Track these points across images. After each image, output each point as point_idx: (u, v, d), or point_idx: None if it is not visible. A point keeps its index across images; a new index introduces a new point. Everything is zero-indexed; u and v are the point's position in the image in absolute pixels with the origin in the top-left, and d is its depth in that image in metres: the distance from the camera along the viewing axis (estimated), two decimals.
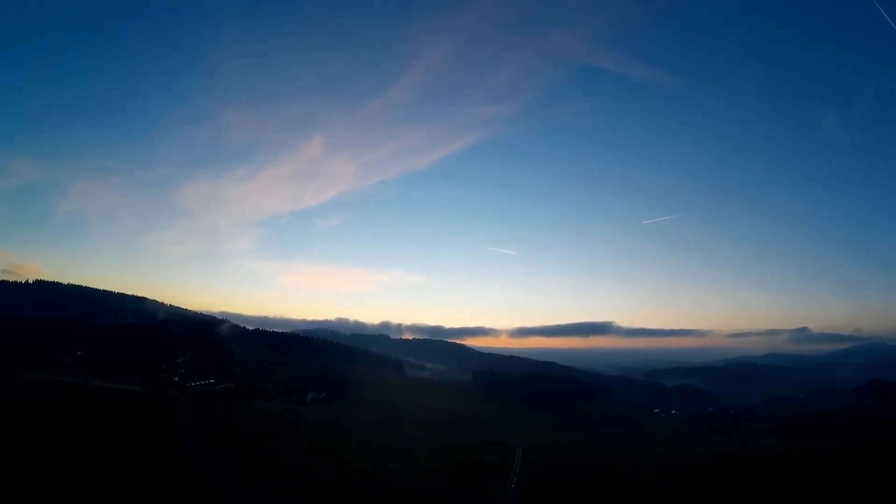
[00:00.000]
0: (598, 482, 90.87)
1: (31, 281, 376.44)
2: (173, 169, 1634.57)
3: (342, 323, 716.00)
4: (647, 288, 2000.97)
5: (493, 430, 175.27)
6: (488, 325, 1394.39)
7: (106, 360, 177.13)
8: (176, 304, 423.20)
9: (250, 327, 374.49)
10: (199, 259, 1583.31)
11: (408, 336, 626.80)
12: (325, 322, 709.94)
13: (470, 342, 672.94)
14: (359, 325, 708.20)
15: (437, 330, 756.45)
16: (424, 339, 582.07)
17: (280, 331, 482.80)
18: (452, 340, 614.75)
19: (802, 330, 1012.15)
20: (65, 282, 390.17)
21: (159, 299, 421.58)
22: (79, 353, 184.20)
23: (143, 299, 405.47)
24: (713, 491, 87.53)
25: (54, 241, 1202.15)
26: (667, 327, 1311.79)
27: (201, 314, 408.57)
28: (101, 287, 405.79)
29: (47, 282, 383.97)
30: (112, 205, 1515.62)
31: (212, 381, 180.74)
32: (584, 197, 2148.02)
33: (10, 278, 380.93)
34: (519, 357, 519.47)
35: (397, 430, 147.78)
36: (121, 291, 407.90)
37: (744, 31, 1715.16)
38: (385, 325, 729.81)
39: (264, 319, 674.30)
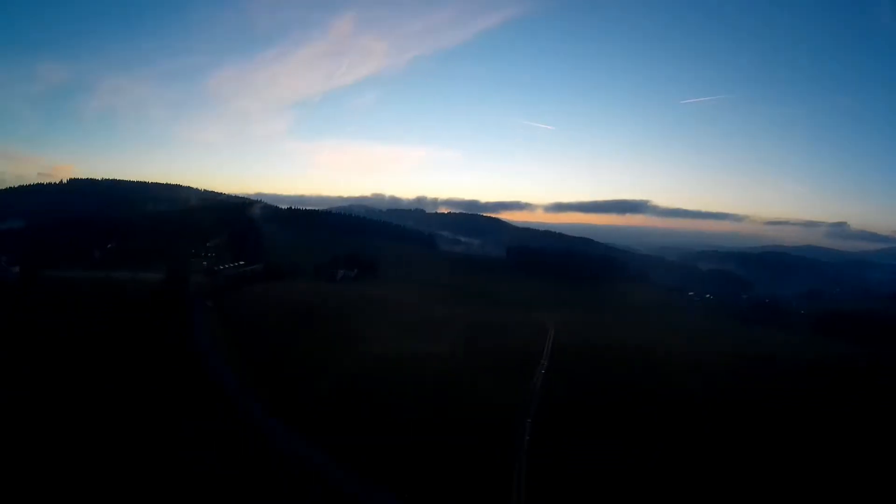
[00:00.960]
0: (626, 376, 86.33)
1: (65, 181, 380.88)
2: (201, 57, 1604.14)
3: (378, 198, 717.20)
4: (685, 169, 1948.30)
5: (525, 307, 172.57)
6: (524, 199, 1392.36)
7: (136, 250, 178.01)
8: (211, 190, 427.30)
9: (284, 206, 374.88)
10: (233, 144, 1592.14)
11: (443, 210, 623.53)
12: (361, 198, 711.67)
13: (506, 216, 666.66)
14: (394, 201, 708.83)
15: (473, 204, 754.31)
16: (460, 214, 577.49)
17: (315, 209, 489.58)
18: (488, 215, 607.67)
19: (840, 225, 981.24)
20: (99, 178, 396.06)
21: (194, 186, 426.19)
22: (109, 245, 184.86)
23: (177, 187, 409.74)
24: (742, 394, 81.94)
25: (88, 141, 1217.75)
26: (703, 209, 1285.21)
27: (236, 197, 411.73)
28: (135, 180, 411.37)
29: (82, 179, 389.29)
30: (142, 98, 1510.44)
31: (241, 263, 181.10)
32: (625, 73, 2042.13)
33: (47, 181, 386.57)
34: (554, 232, 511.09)
35: (427, 307, 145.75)
36: (155, 181, 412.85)
37: None
38: (420, 200, 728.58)
39: (300, 199, 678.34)
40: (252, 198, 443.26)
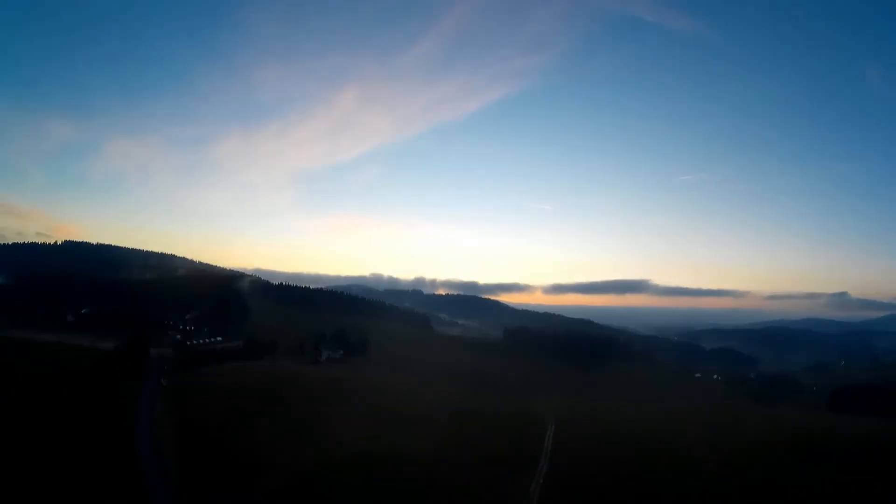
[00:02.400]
0: (643, 470, 73.67)
1: (60, 242, 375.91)
2: (207, 126, 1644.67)
3: (376, 278, 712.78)
4: (683, 246, 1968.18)
5: (523, 392, 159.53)
6: (523, 281, 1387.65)
7: (109, 316, 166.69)
8: (206, 261, 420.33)
9: (279, 282, 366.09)
10: (235, 215, 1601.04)
11: (442, 291, 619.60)
12: (360, 278, 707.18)
13: (504, 298, 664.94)
14: (393, 281, 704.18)
15: (472, 286, 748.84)
16: (458, 295, 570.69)
17: (310, 286, 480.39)
18: (487, 296, 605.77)
19: (842, 295, 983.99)
20: (94, 242, 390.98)
21: (191, 256, 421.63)
22: (83, 310, 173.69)
23: (171, 257, 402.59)
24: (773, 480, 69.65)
25: (92, 201, 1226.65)
26: (704, 287, 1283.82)
27: (228, 270, 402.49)
28: (131, 246, 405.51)
29: (77, 242, 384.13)
30: (148, 163, 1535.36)
31: (219, 338, 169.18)
32: (621, 151, 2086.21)
33: (43, 240, 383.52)
34: (553, 314, 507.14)
35: (413, 394, 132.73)
36: (148, 249, 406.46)
37: None
38: (419, 281, 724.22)
39: (298, 276, 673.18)
40: (248, 272, 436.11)
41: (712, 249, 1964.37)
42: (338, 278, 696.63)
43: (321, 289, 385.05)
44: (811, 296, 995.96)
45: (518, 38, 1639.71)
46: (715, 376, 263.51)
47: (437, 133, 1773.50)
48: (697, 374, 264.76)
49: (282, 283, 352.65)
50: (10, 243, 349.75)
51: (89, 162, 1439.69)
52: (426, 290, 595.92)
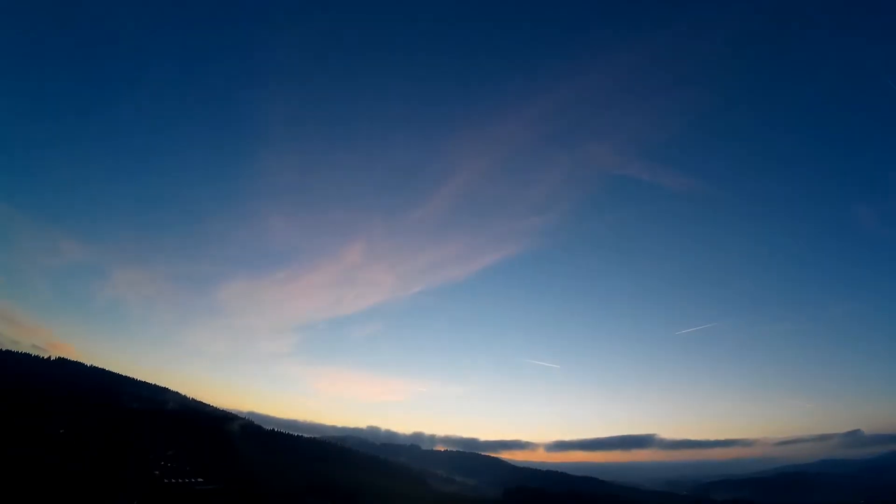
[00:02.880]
0: None
1: (53, 358, 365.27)
2: (214, 266, 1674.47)
3: (373, 431, 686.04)
4: (689, 398, 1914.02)
5: None
6: (525, 437, 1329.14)
7: (87, 440, 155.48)
8: (200, 399, 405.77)
9: (271, 428, 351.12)
10: (233, 357, 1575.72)
11: (440, 448, 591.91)
12: (356, 430, 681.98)
13: (505, 455, 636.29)
14: (390, 435, 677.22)
15: (472, 442, 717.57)
16: (457, 452, 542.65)
17: (304, 434, 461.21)
18: (487, 454, 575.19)
19: (855, 433, 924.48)
20: (88, 363, 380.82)
21: (185, 392, 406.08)
22: (61, 430, 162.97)
23: (164, 389, 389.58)
24: None
25: (93, 324, 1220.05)
26: (711, 438, 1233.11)
27: (220, 410, 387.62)
28: (125, 373, 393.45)
29: (70, 361, 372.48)
30: (152, 295, 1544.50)
31: (200, 479, 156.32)
32: (622, 307, 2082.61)
33: (38, 353, 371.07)
34: (556, 472, 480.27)
35: None
36: (143, 379, 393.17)
37: (775, 135, 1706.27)
38: (417, 436, 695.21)
39: (294, 423, 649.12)
40: (242, 414, 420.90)
41: (718, 399, 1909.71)
42: (334, 428, 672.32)
43: (314, 438, 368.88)
44: (823, 437, 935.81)
45: (522, 201, 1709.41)
46: None
47: (441, 291, 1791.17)
48: None
49: (273, 430, 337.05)
50: (2, 349, 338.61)
51: (96, 285, 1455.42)
52: (424, 446, 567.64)
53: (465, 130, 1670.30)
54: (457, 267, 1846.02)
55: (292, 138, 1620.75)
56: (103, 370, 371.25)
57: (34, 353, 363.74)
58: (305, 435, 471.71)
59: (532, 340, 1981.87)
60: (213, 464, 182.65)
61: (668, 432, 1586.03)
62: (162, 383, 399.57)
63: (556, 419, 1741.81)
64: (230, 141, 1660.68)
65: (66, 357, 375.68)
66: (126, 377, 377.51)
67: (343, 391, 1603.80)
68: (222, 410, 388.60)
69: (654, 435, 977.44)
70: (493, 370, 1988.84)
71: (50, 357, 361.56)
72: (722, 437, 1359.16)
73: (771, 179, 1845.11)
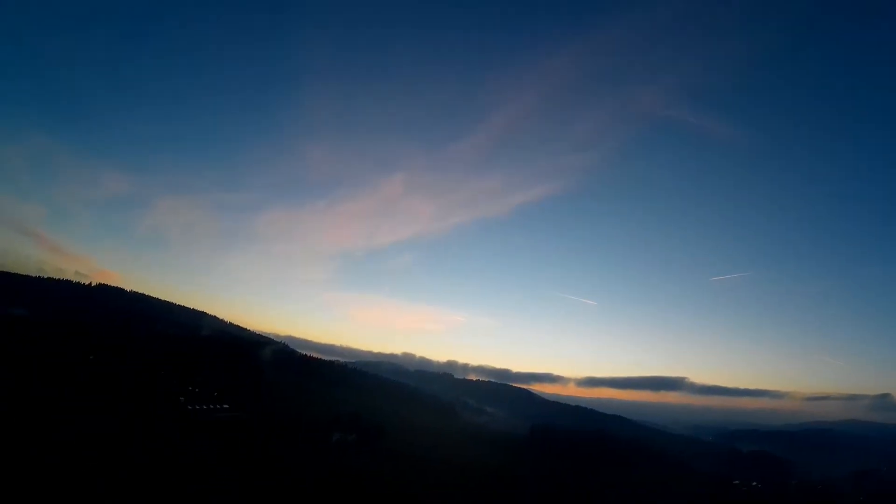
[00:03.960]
0: None
1: (94, 284, 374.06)
2: (254, 195, 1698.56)
3: (408, 358, 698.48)
4: (722, 345, 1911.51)
5: (543, 501, 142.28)
6: (556, 371, 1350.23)
7: (115, 367, 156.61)
8: (238, 324, 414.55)
9: (305, 353, 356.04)
10: (272, 284, 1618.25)
11: (473, 377, 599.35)
12: (391, 356, 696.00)
13: (536, 388, 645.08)
14: (424, 362, 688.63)
15: (504, 373, 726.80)
16: (489, 382, 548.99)
17: (339, 360, 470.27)
18: (518, 385, 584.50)
19: (885, 397, 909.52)
20: (128, 289, 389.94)
21: (223, 317, 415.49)
22: (91, 357, 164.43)
23: (202, 314, 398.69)
24: None
25: (136, 253, 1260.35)
26: (741, 386, 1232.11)
27: (257, 335, 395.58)
28: (163, 298, 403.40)
29: (111, 287, 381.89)
30: (193, 222, 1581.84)
31: (225, 406, 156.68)
32: (660, 250, 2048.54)
33: (79, 280, 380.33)
34: (585, 408, 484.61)
35: (417, 493, 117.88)
36: (181, 304, 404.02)
37: (826, 89, 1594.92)
38: (451, 364, 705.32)
39: (330, 348, 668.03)
40: (279, 339, 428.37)
41: (750, 349, 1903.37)
42: (369, 354, 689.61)
43: (346, 364, 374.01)
44: (852, 398, 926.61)
45: (563, 139, 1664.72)
46: (754, 484, 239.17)
47: (479, 225, 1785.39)
48: (736, 482, 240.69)
49: (306, 355, 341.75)
50: (45, 277, 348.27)
51: (137, 215, 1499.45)
52: (457, 375, 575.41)
53: (511, 65, 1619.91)
54: (497, 201, 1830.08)
55: (334, 70, 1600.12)
56: (142, 295, 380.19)
57: (77, 279, 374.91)
58: (341, 360, 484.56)
59: (569, 277, 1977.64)
60: (242, 391, 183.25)
61: (698, 377, 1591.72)
62: (200, 308, 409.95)
63: (588, 355, 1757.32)
64: (272, 72, 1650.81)
65: (107, 283, 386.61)
66: (164, 302, 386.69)
67: (379, 319, 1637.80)
68: (258, 335, 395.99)
69: (684, 378, 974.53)
70: (528, 304, 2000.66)
71: (91, 283, 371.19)
72: (752, 387, 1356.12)
73: (820, 134, 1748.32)
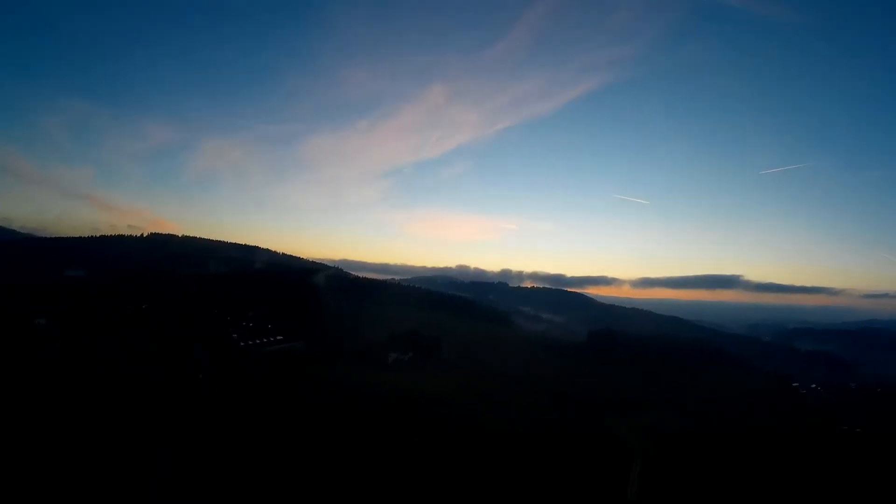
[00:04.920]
0: None
1: (145, 234, 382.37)
2: (297, 124, 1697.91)
3: (462, 270, 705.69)
4: (776, 241, 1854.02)
5: (607, 408, 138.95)
6: (611, 274, 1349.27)
7: (168, 314, 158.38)
8: (293, 254, 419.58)
9: (358, 275, 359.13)
10: (325, 210, 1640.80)
11: (528, 284, 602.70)
12: (446, 269, 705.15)
13: (592, 291, 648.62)
14: (479, 273, 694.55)
15: (559, 279, 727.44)
16: (544, 289, 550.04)
17: (395, 278, 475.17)
18: (573, 290, 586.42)
19: None
20: (179, 234, 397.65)
21: (276, 249, 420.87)
22: (144, 305, 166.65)
23: (254, 248, 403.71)
24: None
25: (188, 198, 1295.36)
26: (797, 283, 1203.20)
27: (309, 262, 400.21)
28: (217, 238, 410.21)
29: (162, 234, 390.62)
30: (240, 161, 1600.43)
31: (280, 338, 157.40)
32: (710, 143, 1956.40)
33: (133, 233, 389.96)
34: (641, 310, 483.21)
35: (479, 408, 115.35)
36: (233, 241, 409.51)
37: None
38: (505, 273, 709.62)
39: (385, 266, 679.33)
40: (334, 263, 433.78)
41: (806, 245, 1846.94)
42: (424, 269, 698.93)
43: (399, 282, 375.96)
44: None
45: (604, 30, 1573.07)
46: (813, 385, 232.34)
47: (526, 127, 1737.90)
48: (795, 384, 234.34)
49: (359, 277, 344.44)
50: (97, 235, 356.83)
51: (184, 161, 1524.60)
52: (512, 283, 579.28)
53: None
54: (541, 102, 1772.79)
55: None
56: (194, 238, 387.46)
57: (129, 233, 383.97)
58: (396, 278, 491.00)
59: (619, 175, 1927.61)
60: (296, 320, 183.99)
61: (754, 274, 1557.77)
62: (253, 243, 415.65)
63: (641, 256, 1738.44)
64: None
65: (158, 232, 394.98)
66: (216, 242, 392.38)
67: (433, 233, 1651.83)
68: (312, 262, 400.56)
69: (739, 276, 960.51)
70: (580, 206, 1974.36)
71: (143, 234, 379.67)
72: (808, 284, 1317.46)
73: (875, 14, 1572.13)
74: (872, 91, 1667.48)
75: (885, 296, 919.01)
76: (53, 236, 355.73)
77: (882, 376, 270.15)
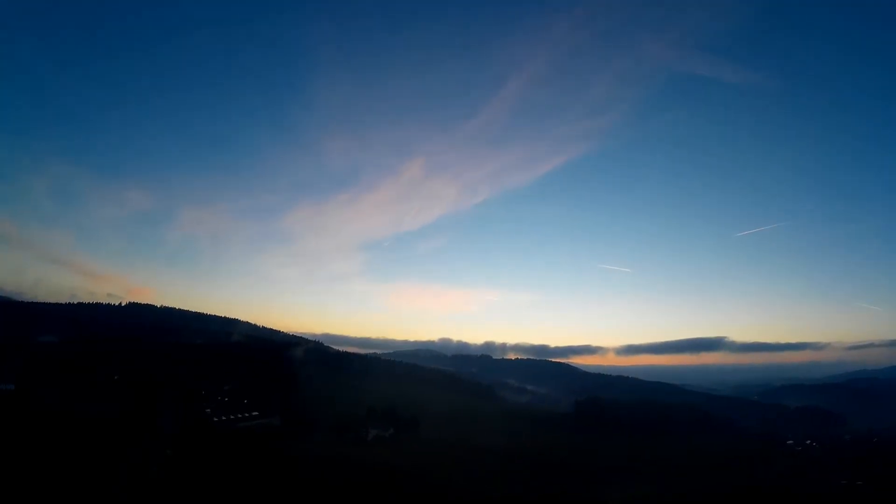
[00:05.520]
0: None
1: (124, 303, 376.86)
2: (277, 197, 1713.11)
3: (445, 343, 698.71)
4: (759, 300, 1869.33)
5: (593, 478, 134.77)
6: (595, 343, 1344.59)
7: (139, 384, 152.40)
8: (273, 327, 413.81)
9: (338, 349, 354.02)
10: (306, 282, 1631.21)
11: (511, 356, 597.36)
12: (428, 343, 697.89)
13: (576, 361, 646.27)
14: (462, 346, 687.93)
15: (542, 349, 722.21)
16: (528, 360, 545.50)
17: (376, 352, 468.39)
18: (557, 360, 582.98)
19: None
20: (158, 304, 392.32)
21: (255, 321, 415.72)
22: (115, 376, 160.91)
23: (234, 321, 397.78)
24: None
25: (165, 266, 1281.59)
26: (782, 340, 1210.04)
27: (290, 336, 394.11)
28: (196, 310, 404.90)
29: (141, 304, 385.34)
30: (219, 231, 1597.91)
31: (255, 413, 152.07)
32: (688, 208, 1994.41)
33: (110, 300, 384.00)
34: (627, 377, 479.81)
35: (457, 480, 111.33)
36: (213, 313, 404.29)
37: (845, 25, 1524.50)
38: (488, 345, 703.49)
39: (367, 340, 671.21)
40: (314, 337, 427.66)
41: (788, 302, 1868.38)
42: (406, 343, 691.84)
43: (378, 357, 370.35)
44: (894, 343, 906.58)
45: (580, 104, 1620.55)
46: (808, 442, 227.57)
47: (505, 198, 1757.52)
48: (790, 441, 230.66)
49: (340, 351, 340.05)
50: (75, 302, 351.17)
51: (164, 229, 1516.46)
52: (495, 355, 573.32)
53: (515, 34, 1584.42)
54: (519, 173, 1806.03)
55: (340, 62, 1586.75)
56: (173, 309, 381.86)
57: (108, 301, 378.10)
58: (378, 352, 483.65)
59: (600, 245, 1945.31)
60: (273, 394, 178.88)
61: (738, 335, 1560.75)
62: (234, 315, 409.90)
63: (625, 323, 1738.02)
64: (280, 73, 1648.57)
65: (137, 301, 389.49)
66: (195, 313, 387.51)
67: (413, 305, 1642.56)
68: (292, 336, 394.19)
69: (723, 337, 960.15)
70: (562, 275, 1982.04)
71: (121, 303, 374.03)
72: (793, 340, 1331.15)
73: (839, 74, 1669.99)
74: (845, 147, 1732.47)
75: (871, 345, 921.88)
76: (31, 301, 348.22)
77: (875, 427, 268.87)
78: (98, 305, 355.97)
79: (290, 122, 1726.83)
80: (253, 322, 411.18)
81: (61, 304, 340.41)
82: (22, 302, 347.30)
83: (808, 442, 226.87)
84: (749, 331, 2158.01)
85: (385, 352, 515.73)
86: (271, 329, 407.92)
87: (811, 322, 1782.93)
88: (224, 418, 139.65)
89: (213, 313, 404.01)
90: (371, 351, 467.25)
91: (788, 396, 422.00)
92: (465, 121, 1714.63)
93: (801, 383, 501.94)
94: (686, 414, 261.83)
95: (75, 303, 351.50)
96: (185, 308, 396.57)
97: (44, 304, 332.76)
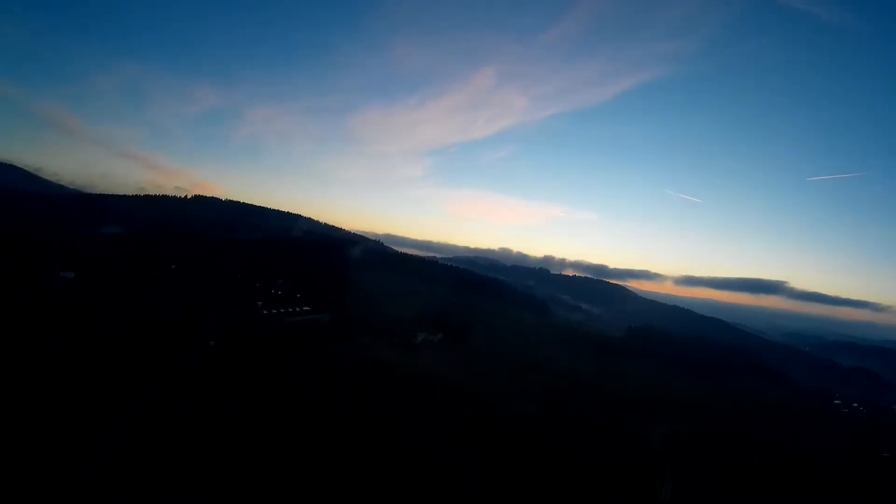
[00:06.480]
0: None
1: (190, 196, 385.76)
2: (346, 97, 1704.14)
3: (505, 253, 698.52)
4: (824, 250, 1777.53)
5: (642, 410, 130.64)
6: (654, 269, 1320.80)
7: (197, 275, 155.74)
8: (335, 224, 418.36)
9: (395, 251, 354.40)
10: (369, 184, 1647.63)
11: (569, 272, 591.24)
12: (488, 251, 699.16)
13: (633, 285, 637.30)
14: (521, 257, 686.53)
15: (601, 269, 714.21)
16: (585, 278, 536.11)
17: (436, 256, 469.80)
18: (615, 282, 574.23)
19: None
20: (223, 198, 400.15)
21: (320, 220, 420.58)
22: (173, 266, 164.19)
23: (296, 217, 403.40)
24: None
25: (232, 163, 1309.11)
26: (842, 295, 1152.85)
27: (351, 234, 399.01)
28: (260, 204, 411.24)
29: (207, 197, 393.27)
30: (287, 130, 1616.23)
31: (307, 308, 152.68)
32: (763, 145, 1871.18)
33: (177, 194, 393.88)
34: (682, 308, 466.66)
35: (502, 402, 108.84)
36: (276, 208, 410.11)
37: None
38: (547, 259, 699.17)
39: (427, 244, 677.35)
40: (376, 237, 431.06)
41: (854, 256, 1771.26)
42: (466, 249, 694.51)
43: (439, 261, 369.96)
44: None
45: (660, 22, 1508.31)
46: (854, 404, 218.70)
47: (575, 116, 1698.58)
48: (837, 401, 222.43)
49: (399, 252, 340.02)
50: (142, 195, 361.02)
51: (232, 126, 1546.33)
52: (553, 270, 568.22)
53: None
54: (591, 91, 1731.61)
55: None
56: (237, 203, 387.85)
57: (174, 194, 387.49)
58: (437, 256, 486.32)
59: (670, 172, 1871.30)
60: (327, 291, 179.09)
61: (798, 282, 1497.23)
62: (297, 212, 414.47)
63: (687, 254, 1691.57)
64: None
65: (203, 195, 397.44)
66: (259, 207, 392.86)
67: (476, 214, 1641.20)
68: (353, 234, 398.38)
69: (784, 282, 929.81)
70: (627, 198, 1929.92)
71: (187, 196, 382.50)
72: (853, 297, 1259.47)
73: None
74: None
75: None
76: (100, 193, 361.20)
77: None
78: (164, 198, 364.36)
79: (361, 22, 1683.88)
80: (315, 219, 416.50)
81: (128, 195, 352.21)
82: (91, 194, 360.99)
83: (856, 405, 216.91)
84: (810, 279, 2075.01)
85: (444, 256, 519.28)
86: (332, 226, 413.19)
87: (874, 281, 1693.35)
88: (274, 311, 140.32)
89: (277, 208, 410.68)
90: (430, 255, 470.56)
91: (840, 354, 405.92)
92: (538, 33, 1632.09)
93: (855, 342, 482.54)
94: (737, 358, 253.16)
95: (143, 195, 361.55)
96: (249, 202, 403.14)
97: (112, 195, 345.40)
